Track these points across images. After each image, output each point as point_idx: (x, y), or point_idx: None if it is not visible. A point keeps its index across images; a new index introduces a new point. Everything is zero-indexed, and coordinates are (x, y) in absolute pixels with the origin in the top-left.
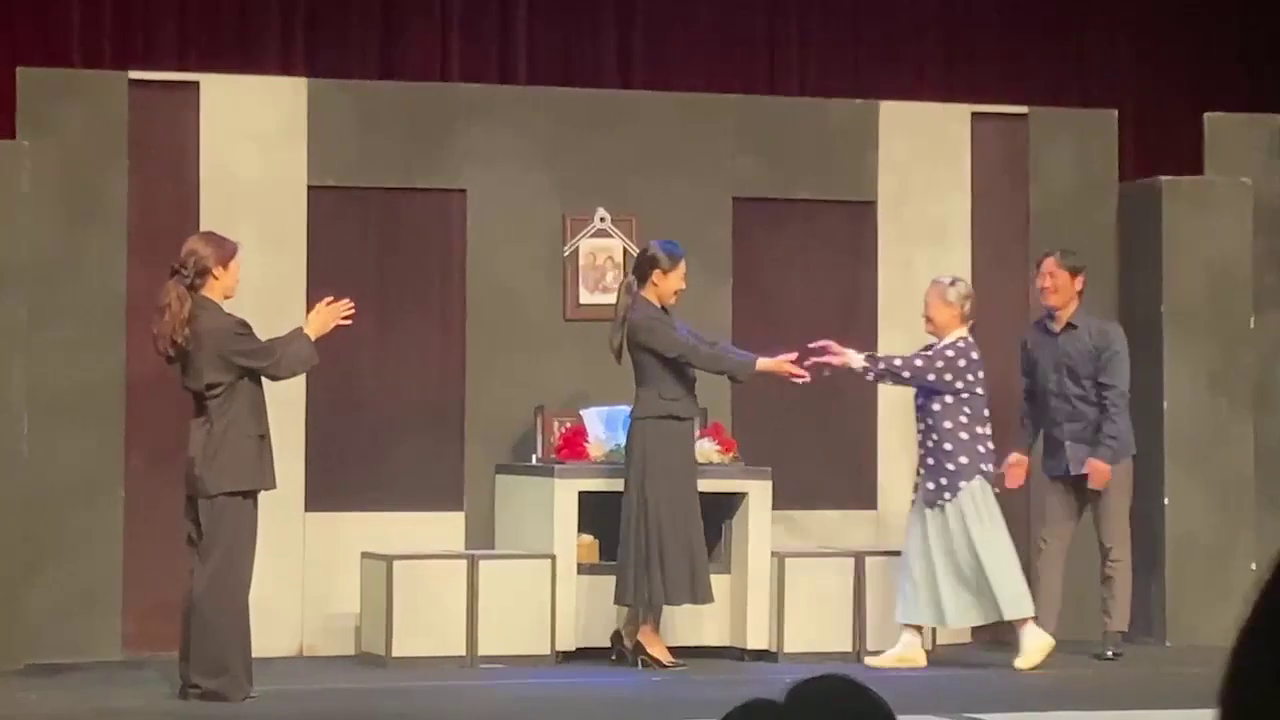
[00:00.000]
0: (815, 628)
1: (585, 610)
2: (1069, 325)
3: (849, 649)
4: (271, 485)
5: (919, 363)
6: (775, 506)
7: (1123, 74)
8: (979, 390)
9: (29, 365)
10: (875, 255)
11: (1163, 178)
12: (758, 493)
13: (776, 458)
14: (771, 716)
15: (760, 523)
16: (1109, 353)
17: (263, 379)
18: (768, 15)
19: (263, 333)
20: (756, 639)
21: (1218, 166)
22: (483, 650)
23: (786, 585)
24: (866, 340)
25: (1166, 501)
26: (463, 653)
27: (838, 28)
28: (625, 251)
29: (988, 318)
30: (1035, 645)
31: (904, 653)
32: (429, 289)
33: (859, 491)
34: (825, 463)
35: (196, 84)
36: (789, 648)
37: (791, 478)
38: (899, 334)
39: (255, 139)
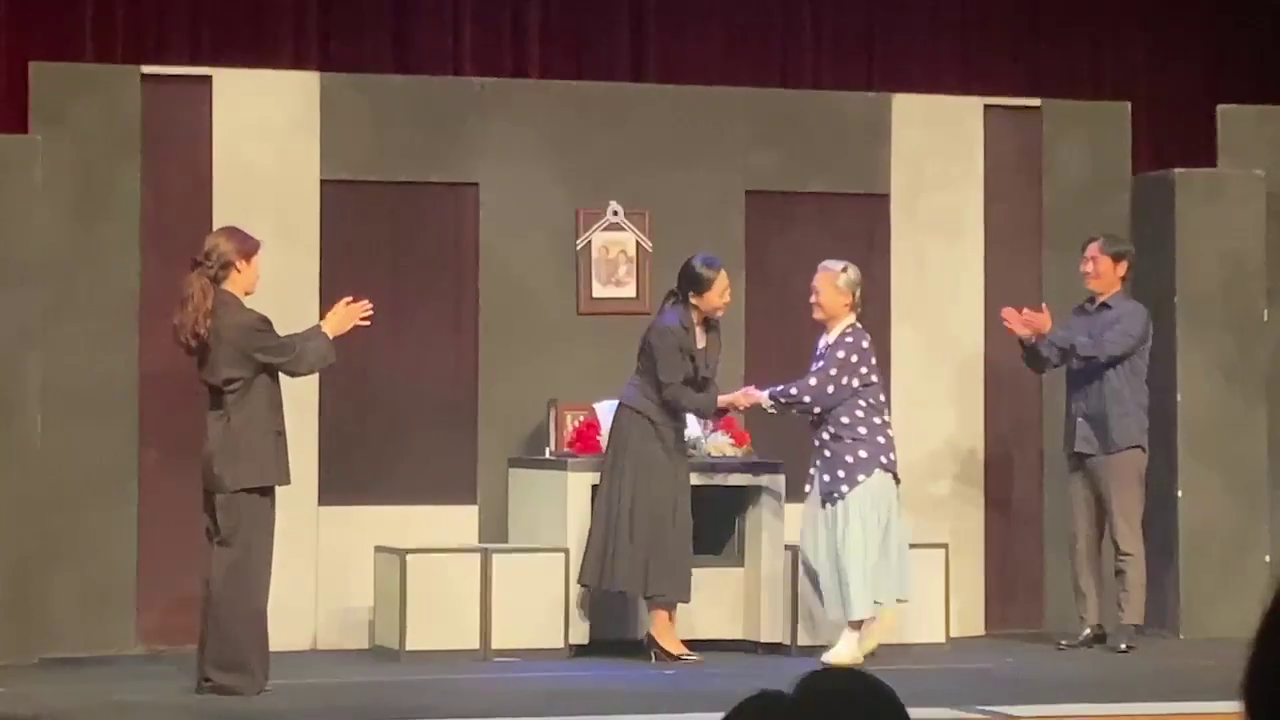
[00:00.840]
0: (829, 621)
1: (599, 603)
2: (1103, 305)
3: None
4: (287, 480)
5: (813, 382)
6: (788, 500)
7: (1136, 67)
8: (874, 379)
9: (43, 360)
10: (888, 248)
11: (1176, 170)
12: (771, 486)
13: (789, 451)
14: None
15: (773, 516)
16: (1116, 321)
17: (280, 375)
18: (781, 8)
19: (278, 327)
20: (770, 632)
21: (1231, 159)
22: (496, 644)
23: (800, 578)
24: (879, 333)
25: (1180, 494)
26: (476, 646)
27: (851, 20)
28: (638, 245)
29: (1001, 309)
30: (848, 652)
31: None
32: (442, 283)
33: None
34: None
35: (209, 78)
36: (803, 641)
37: (804, 471)
38: (911, 326)
39: (268, 133)
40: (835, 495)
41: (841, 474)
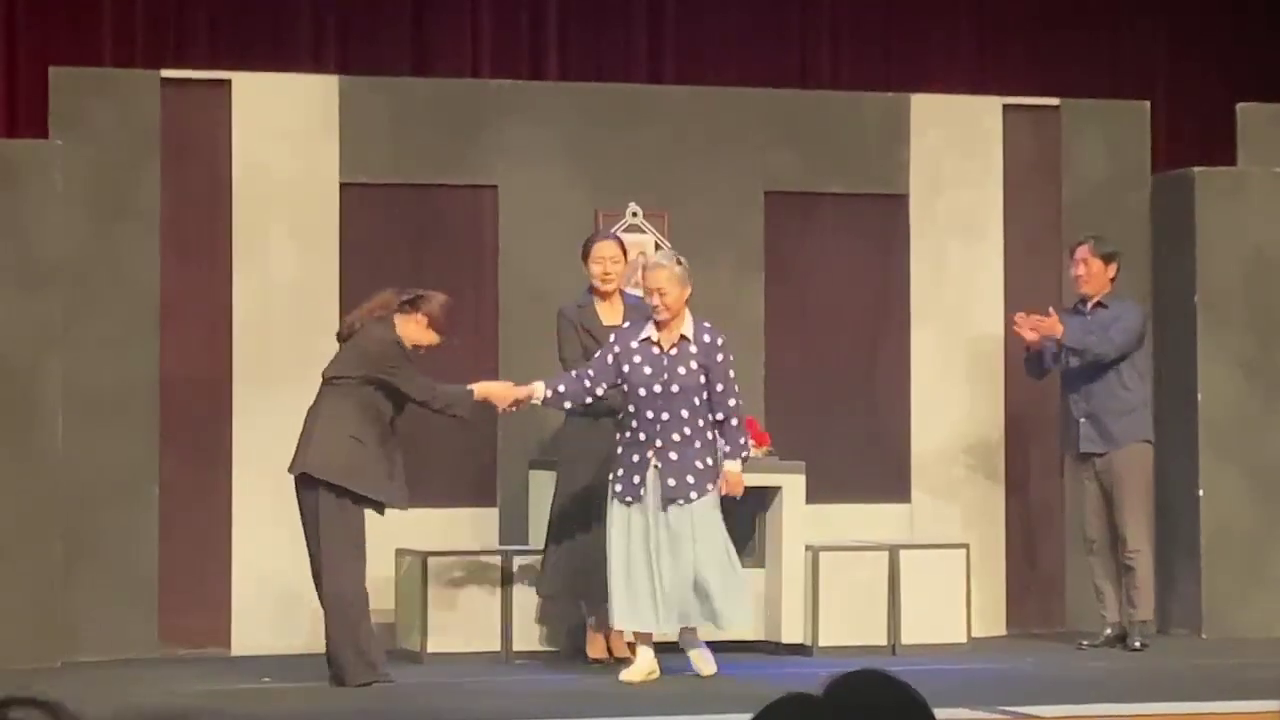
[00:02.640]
0: (850, 621)
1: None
2: (1099, 304)
3: (884, 642)
4: (363, 489)
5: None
6: (809, 500)
7: (1155, 65)
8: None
9: (64, 364)
10: (907, 248)
11: (1196, 169)
12: (791, 486)
13: (810, 451)
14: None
15: (794, 516)
16: (1117, 319)
17: (391, 398)
18: (799, 8)
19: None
20: (791, 633)
21: (1251, 157)
22: (517, 646)
23: (821, 579)
24: (899, 334)
25: (1201, 493)
26: (498, 648)
27: (869, 20)
28: (657, 246)
29: (1021, 309)
30: (644, 667)
31: (645, 666)
32: (461, 285)
33: (893, 485)
34: (859, 456)
35: (228, 82)
36: (824, 641)
37: (825, 471)
38: (931, 326)
39: (287, 136)
40: (679, 500)
41: (691, 480)
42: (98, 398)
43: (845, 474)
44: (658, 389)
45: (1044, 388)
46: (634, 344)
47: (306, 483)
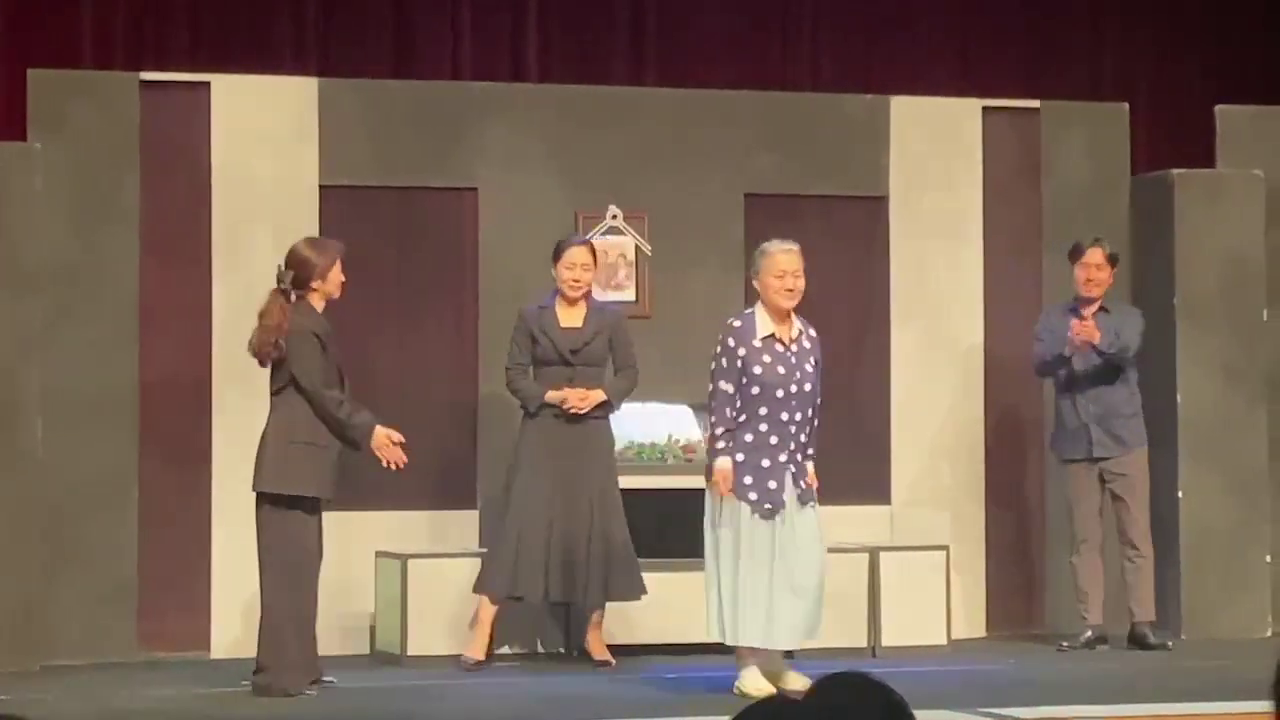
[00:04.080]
0: (830, 623)
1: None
2: (1102, 308)
3: (864, 644)
4: (315, 492)
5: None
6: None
7: (1134, 67)
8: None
9: (43, 367)
10: (888, 250)
11: (1175, 170)
12: None
13: None
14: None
15: None
16: (1124, 322)
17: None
18: (779, 10)
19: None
20: None
21: (1230, 159)
22: (498, 648)
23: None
24: (879, 335)
25: (1181, 495)
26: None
27: (849, 23)
28: (637, 249)
29: (1001, 311)
30: (761, 685)
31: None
32: (442, 287)
33: (873, 486)
34: (839, 457)
35: (208, 84)
36: (808, 644)
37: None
38: (911, 328)
39: (267, 139)
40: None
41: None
42: (78, 401)
43: (825, 475)
44: (794, 389)
45: (1024, 389)
46: (756, 342)
47: (257, 498)
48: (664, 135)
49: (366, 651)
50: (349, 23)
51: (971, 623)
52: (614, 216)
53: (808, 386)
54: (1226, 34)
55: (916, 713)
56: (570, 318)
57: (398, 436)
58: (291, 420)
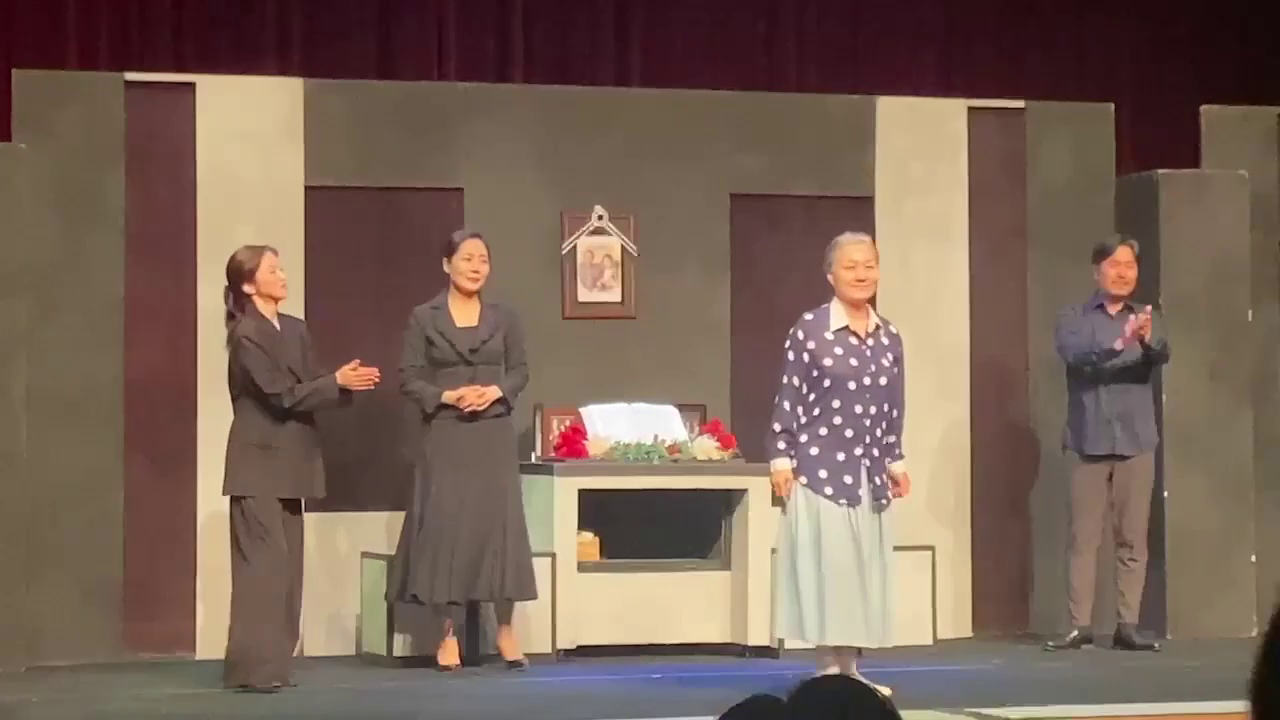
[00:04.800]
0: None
1: (587, 608)
2: (1127, 307)
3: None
4: (273, 494)
5: None
6: (774, 502)
7: (1119, 67)
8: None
9: (29, 367)
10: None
11: (1160, 171)
12: (757, 489)
13: None
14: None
15: (760, 519)
16: (1157, 321)
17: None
18: (765, 11)
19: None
20: (757, 635)
21: (1215, 159)
22: (484, 649)
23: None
24: None
25: (1166, 494)
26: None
27: (834, 23)
28: (623, 249)
29: (986, 310)
30: None
31: None
32: (427, 288)
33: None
34: None
35: (193, 85)
36: (790, 644)
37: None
38: (897, 328)
39: (252, 139)
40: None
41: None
42: (63, 401)
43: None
44: (867, 381)
45: (1009, 389)
46: (828, 335)
47: (229, 501)
48: (649, 136)
49: (352, 652)
50: (334, 23)
51: (958, 623)
52: (599, 217)
53: (884, 380)
54: (1211, 35)
55: (903, 713)
56: (466, 317)
57: (353, 364)
58: (245, 425)
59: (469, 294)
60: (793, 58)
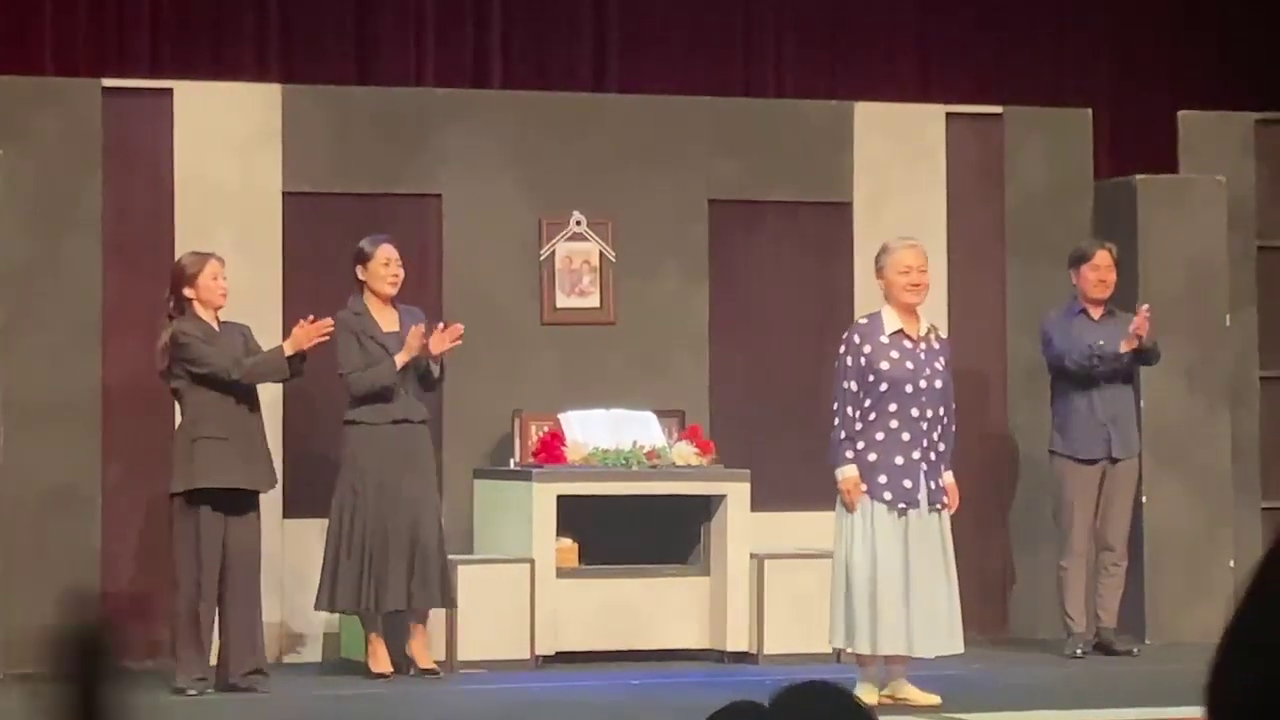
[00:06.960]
0: (795, 629)
1: (565, 614)
2: (1109, 311)
3: (829, 650)
4: (209, 483)
5: None
6: (754, 508)
7: (1097, 73)
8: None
9: (5, 373)
10: (851, 256)
11: (1137, 176)
12: (736, 494)
13: (755, 459)
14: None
15: (739, 524)
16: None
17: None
18: (743, 17)
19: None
20: (736, 641)
21: (1192, 164)
22: (462, 655)
23: (766, 587)
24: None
25: (1145, 500)
26: (442, 657)
27: (812, 29)
28: (601, 255)
29: (965, 315)
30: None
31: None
32: (406, 294)
33: (838, 492)
34: (804, 463)
35: (170, 91)
36: (769, 649)
37: (770, 479)
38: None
39: (230, 146)
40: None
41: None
42: (40, 407)
43: (790, 481)
44: (923, 384)
45: (988, 393)
46: (883, 339)
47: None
48: (628, 141)
49: (330, 659)
50: (312, 29)
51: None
52: (578, 223)
53: (938, 384)
54: (1188, 40)
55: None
56: (388, 321)
57: (300, 323)
58: (196, 418)
59: (387, 299)
60: (771, 63)
